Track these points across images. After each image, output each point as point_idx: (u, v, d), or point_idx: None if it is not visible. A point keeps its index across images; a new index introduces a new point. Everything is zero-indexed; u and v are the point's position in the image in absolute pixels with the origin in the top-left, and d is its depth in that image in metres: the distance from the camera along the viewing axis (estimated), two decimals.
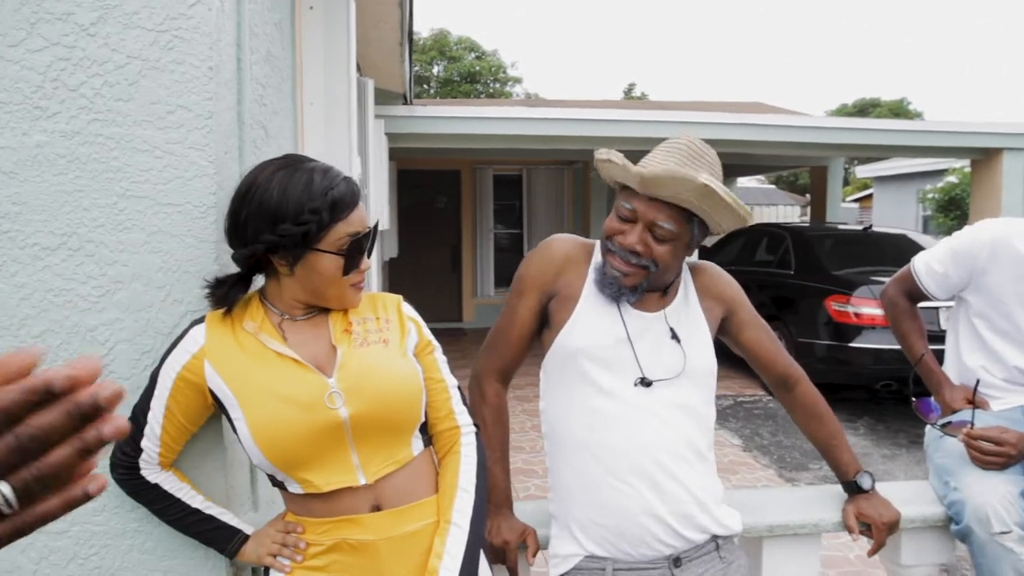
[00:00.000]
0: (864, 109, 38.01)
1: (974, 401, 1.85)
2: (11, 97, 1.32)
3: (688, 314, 1.54)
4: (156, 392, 1.27)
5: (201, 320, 1.29)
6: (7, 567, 1.39)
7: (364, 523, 1.26)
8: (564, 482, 1.50)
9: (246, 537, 1.36)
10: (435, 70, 28.27)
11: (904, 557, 1.72)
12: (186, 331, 1.28)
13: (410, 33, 4.70)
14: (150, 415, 1.27)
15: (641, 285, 1.45)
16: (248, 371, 1.23)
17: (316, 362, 1.26)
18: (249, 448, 1.23)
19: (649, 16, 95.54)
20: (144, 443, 1.28)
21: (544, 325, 1.57)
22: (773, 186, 26.70)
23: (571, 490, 1.48)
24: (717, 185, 1.34)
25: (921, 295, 1.99)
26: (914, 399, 1.91)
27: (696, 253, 7.54)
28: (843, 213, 18.52)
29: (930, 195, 12.70)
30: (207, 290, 1.29)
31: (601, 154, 1.48)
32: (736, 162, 11.57)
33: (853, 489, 1.68)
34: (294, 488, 1.26)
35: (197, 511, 1.34)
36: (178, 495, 1.34)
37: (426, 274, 11.04)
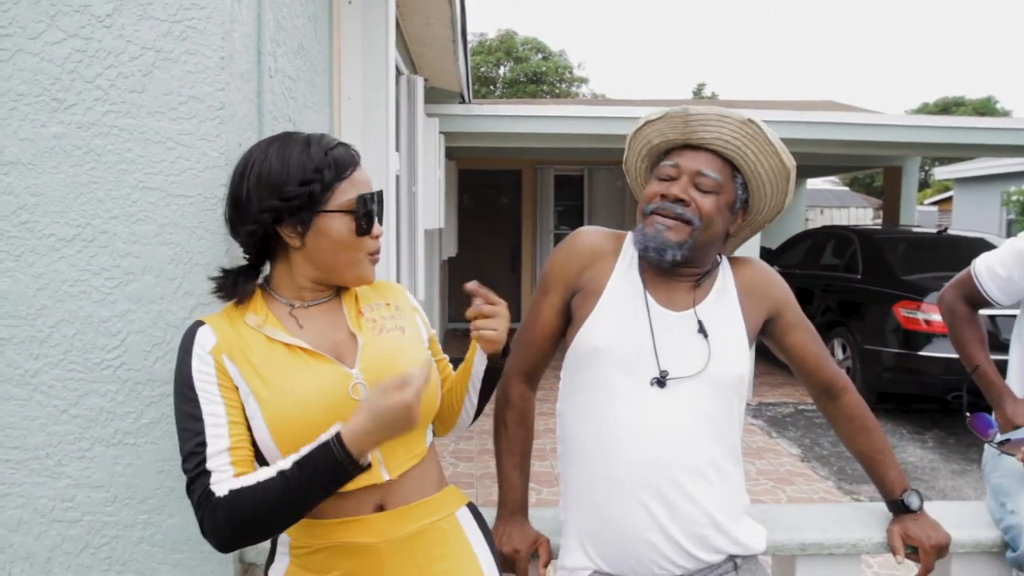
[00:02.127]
0: (947, 108, 36.49)
1: None
2: (31, 89, 1.33)
3: (723, 312, 1.44)
4: (204, 402, 1.11)
5: (200, 323, 1.18)
6: (23, 553, 1.41)
7: (367, 524, 1.21)
8: (573, 491, 1.44)
9: (339, 439, 1.05)
10: (501, 71, 28.35)
11: None
12: (190, 337, 1.16)
13: (463, 31, 4.68)
14: (208, 430, 1.10)
15: (688, 243, 1.36)
16: (261, 366, 1.15)
17: (335, 352, 1.21)
18: (265, 445, 1.14)
19: (721, 14, 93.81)
20: (211, 465, 1.08)
21: (569, 323, 1.51)
22: (847, 188, 25.85)
23: (580, 500, 1.42)
24: (760, 122, 1.35)
25: (982, 300, 1.84)
26: (968, 414, 1.77)
27: (757, 254, 7.33)
28: (920, 216, 17.80)
29: (1014, 197, 12.03)
30: (214, 283, 1.24)
31: (638, 124, 1.47)
32: (806, 162, 11.22)
33: (900, 508, 1.56)
34: None
35: (282, 472, 1.06)
36: (258, 479, 1.07)
37: (485, 273, 11.04)
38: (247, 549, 1.44)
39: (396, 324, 1.30)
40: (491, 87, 27.92)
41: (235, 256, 1.38)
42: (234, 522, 1.05)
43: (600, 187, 11.23)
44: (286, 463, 1.07)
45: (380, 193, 1.27)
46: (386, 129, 2.49)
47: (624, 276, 1.46)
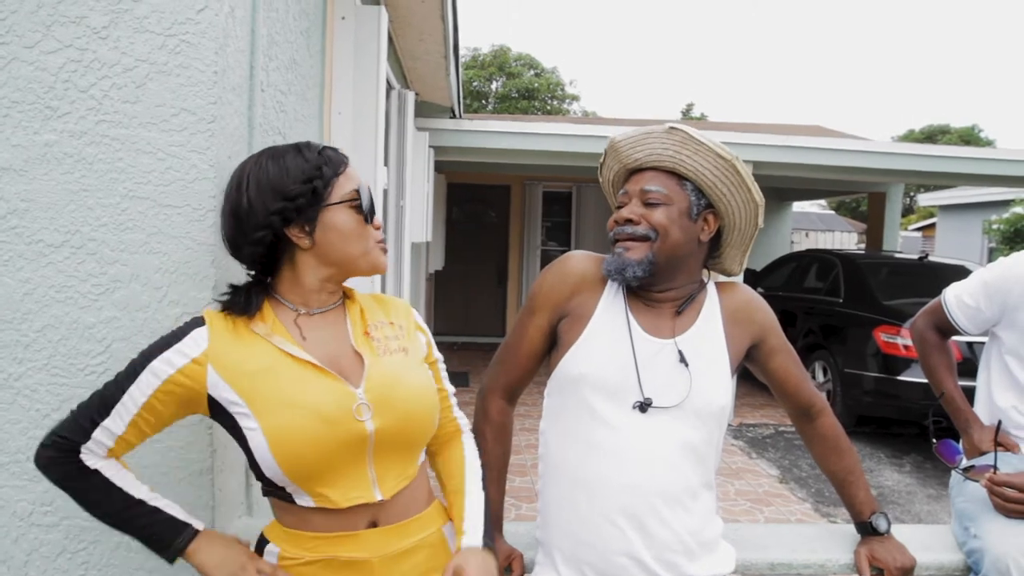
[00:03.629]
0: (932, 136, 36.95)
1: (1002, 443, 1.74)
2: (24, 96, 1.36)
3: (707, 341, 1.45)
4: (135, 388, 1.14)
5: (201, 321, 1.19)
6: (1, 556, 1.41)
7: (360, 540, 1.22)
8: (552, 510, 1.46)
9: (195, 533, 1.19)
10: (494, 86, 28.50)
11: None
12: (185, 331, 1.18)
13: (455, 48, 4.73)
14: (118, 408, 1.14)
15: (647, 258, 1.38)
16: (263, 378, 1.16)
17: (339, 368, 1.21)
18: (263, 460, 1.14)
19: (712, 37, 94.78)
20: (96, 433, 1.13)
21: (553, 345, 1.53)
22: (833, 212, 26.10)
23: (557, 520, 1.44)
24: (684, 127, 1.38)
25: (952, 329, 1.89)
26: (935, 440, 1.81)
27: (741, 277, 7.37)
28: (904, 242, 17.97)
29: (995, 226, 12.22)
30: (222, 302, 1.22)
31: (599, 165, 1.52)
32: (792, 186, 11.35)
33: (867, 531, 1.59)
34: (304, 502, 1.19)
35: (141, 502, 1.17)
36: (120, 484, 1.16)
37: (471, 288, 11.07)
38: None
39: (400, 345, 1.30)
40: (483, 102, 28.05)
41: (223, 268, 1.41)
42: (66, 484, 1.15)
43: (588, 204, 11.30)
44: (152, 498, 1.18)
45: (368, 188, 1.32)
46: (375, 144, 2.52)
47: (611, 303, 1.46)
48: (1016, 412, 1.77)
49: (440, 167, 8.28)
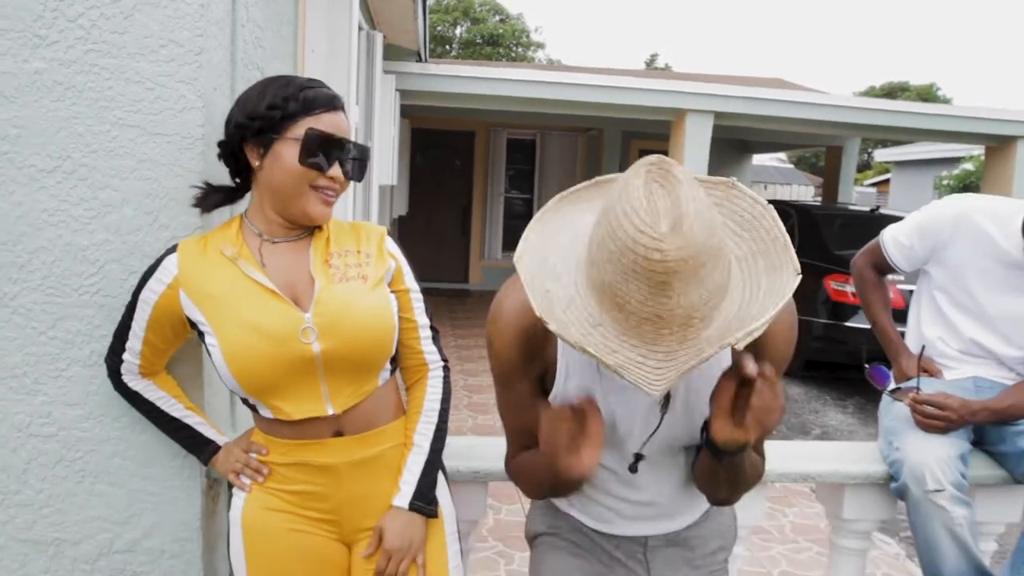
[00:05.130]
0: (892, 92, 37.38)
1: (927, 369, 1.92)
2: (13, 25, 1.39)
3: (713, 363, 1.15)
4: (136, 316, 1.35)
5: (173, 250, 1.34)
6: (1, 465, 1.50)
7: (326, 447, 1.34)
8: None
9: (218, 448, 1.45)
10: (457, 31, 28.01)
11: (846, 512, 1.80)
12: (159, 261, 1.33)
13: None
14: (131, 334, 1.37)
15: None
16: (223, 299, 1.29)
17: (293, 293, 1.31)
18: (223, 374, 1.29)
19: None
20: (126, 355, 1.40)
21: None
22: (792, 166, 26.46)
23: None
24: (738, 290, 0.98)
25: (888, 267, 2.05)
26: (867, 366, 1.99)
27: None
28: (860, 196, 18.34)
29: (945, 182, 12.60)
30: (197, 191, 1.40)
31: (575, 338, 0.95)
32: (753, 138, 11.53)
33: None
34: (265, 412, 1.34)
35: (175, 419, 1.45)
36: (158, 403, 1.44)
37: (435, 234, 11.11)
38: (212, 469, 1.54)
39: (360, 272, 1.36)
40: (447, 47, 27.59)
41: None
42: (125, 398, 1.46)
43: (552, 152, 11.36)
44: (185, 416, 1.46)
45: (359, 146, 1.37)
46: (348, 83, 2.57)
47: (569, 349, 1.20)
48: (942, 342, 1.94)
49: (405, 111, 8.23)
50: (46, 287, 1.46)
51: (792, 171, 24.56)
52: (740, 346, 0.90)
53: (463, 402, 5.54)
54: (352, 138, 1.37)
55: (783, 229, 1.00)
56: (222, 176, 1.44)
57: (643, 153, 1.45)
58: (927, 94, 36.63)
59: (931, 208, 1.96)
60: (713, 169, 12.36)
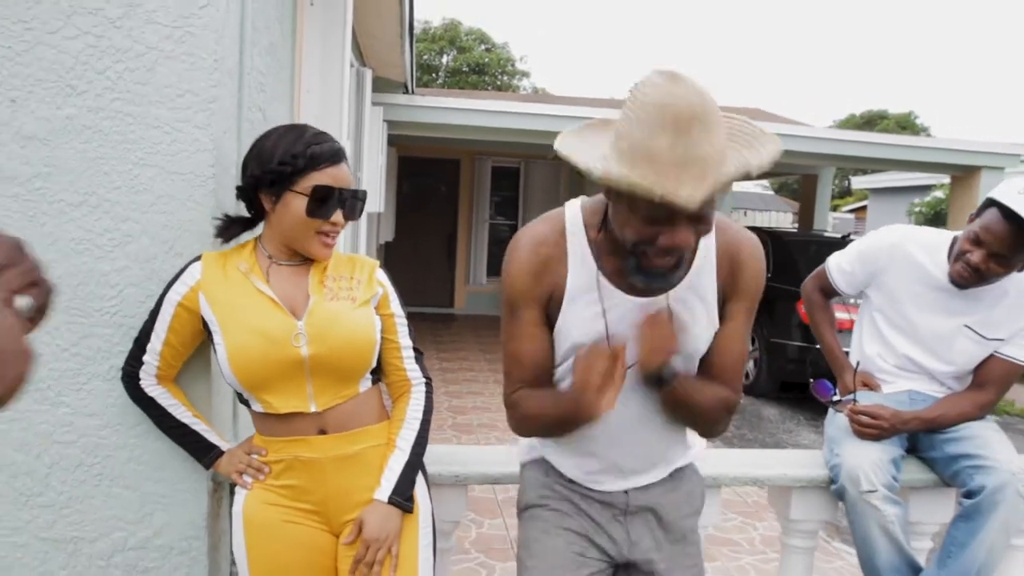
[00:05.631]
0: (872, 120, 38.06)
1: (868, 384, 2.12)
2: (48, 76, 1.58)
3: (695, 294, 1.37)
4: (160, 316, 1.54)
5: (198, 258, 1.55)
6: (25, 469, 1.66)
7: (311, 444, 1.53)
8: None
9: (221, 452, 1.62)
10: (444, 59, 28.44)
11: (793, 513, 1.99)
12: (186, 267, 1.55)
13: (411, 26, 4.95)
14: (153, 335, 1.55)
15: (684, 270, 1.35)
16: (234, 305, 1.49)
17: (291, 305, 1.51)
18: (224, 368, 1.49)
19: (661, 18, 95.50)
20: (146, 357, 1.57)
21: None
22: (772, 192, 26.91)
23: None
24: (746, 159, 1.17)
25: (833, 291, 2.25)
26: (812, 380, 2.18)
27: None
28: (838, 223, 18.71)
29: (917, 208, 12.98)
30: (218, 222, 1.59)
31: (617, 175, 1.14)
32: None
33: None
34: (256, 407, 1.53)
35: (184, 425, 1.62)
36: (169, 409, 1.61)
37: (421, 260, 11.31)
38: (216, 473, 1.70)
39: (350, 295, 1.57)
40: (433, 75, 27.98)
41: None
42: (138, 404, 1.62)
43: (535, 180, 11.61)
44: (193, 423, 1.62)
45: (357, 192, 1.56)
46: (340, 119, 2.77)
47: (580, 272, 1.39)
48: (880, 359, 2.15)
49: (392, 140, 8.45)
50: (71, 308, 1.63)
51: (773, 198, 25.03)
52: (756, 172, 1.16)
53: (447, 423, 5.70)
54: (352, 184, 1.56)
55: (765, 131, 1.25)
56: (228, 209, 1.62)
57: None
58: (905, 122, 37.34)
59: (870, 237, 2.16)
60: None
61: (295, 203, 1.48)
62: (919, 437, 2.03)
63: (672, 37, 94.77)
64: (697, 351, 1.42)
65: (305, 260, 1.57)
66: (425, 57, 27.23)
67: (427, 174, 11.37)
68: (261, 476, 1.56)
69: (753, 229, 8.93)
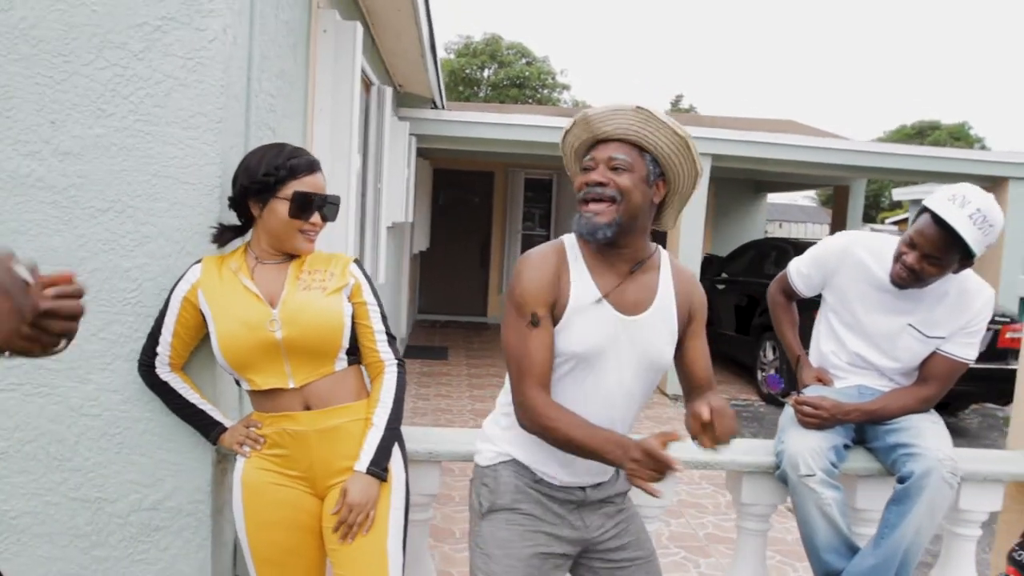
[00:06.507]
0: (923, 131, 37.32)
1: (822, 379, 2.28)
2: (82, 100, 1.86)
3: (666, 311, 1.71)
4: (168, 311, 1.81)
5: (199, 261, 1.82)
6: (57, 438, 1.93)
7: (296, 418, 1.77)
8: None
9: (224, 429, 1.87)
10: (486, 73, 28.88)
11: (744, 497, 2.16)
12: (189, 269, 1.82)
13: (432, 48, 5.22)
14: (164, 328, 1.82)
15: (615, 220, 1.60)
16: (224, 298, 1.76)
17: (269, 296, 1.77)
18: (216, 352, 1.76)
19: (705, 29, 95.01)
20: (159, 348, 1.84)
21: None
22: (816, 204, 26.60)
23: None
24: (651, 106, 1.58)
25: (793, 293, 2.42)
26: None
27: (698, 270, 7.75)
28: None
29: None
30: (213, 230, 1.85)
31: (562, 134, 1.71)
32: (766, 178, 11.91)
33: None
34: (244, 385, 1.80)
35: (192, 405, 1.87)
36: (181, 392, 1.87)
37: (455, 268, 11.59)
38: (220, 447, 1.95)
39: (322, 285, 1.80)
40: (475, 89, 28.44)
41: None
42: (153, 389, 1.88)
43: (568, 192, 11.80)
44: (200, 403, 1.87)
45: (331, 197, 1.81)
46: (350, 135, 3.03)
47: (581, 289, 1.65)
48: (833, 355, 2.30)
49: (425, 153, 8.76)
50: (99, 299, 1.90)
51: (815, 209, 24.77)
52: (664, 119, 1.60)
53: (469, 423, 5.92)
54: (326, 191, 1.81)
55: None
56: (232, 215, 1.88)
57: None
58: (959, 133, 36.47)
59: (823, 243, 2.33)
60: (724, 207, 12.76)
61: (279, 208, 1.73)
62: (865, 428, 2.19)
63: (717, 48, 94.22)
64: (667, 363, 1.74)
65: (287, 259, 1.82)
66: (467, 71, 27.71)
67: (461, 185, 11.67)
68: (258, 446, 1.80)
69: (776, 239, 8.99)
